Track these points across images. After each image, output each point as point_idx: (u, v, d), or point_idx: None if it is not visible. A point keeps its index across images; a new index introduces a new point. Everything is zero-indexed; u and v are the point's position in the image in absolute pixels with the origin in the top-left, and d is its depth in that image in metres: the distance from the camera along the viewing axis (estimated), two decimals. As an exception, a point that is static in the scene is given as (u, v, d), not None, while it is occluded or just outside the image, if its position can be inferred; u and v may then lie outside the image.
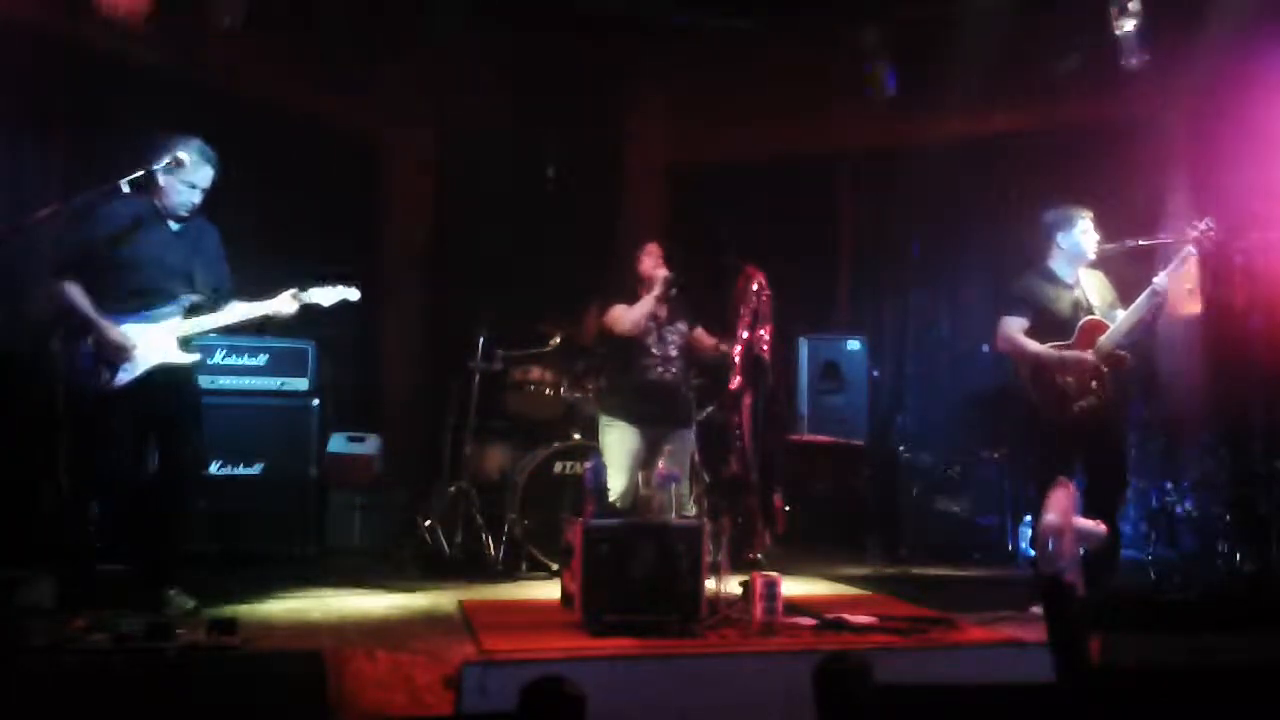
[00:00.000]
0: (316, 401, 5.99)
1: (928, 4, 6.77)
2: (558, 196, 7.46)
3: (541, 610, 4.60)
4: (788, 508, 6.17)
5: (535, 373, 6.22)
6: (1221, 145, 6.21)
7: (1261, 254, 5.03)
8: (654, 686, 3.53)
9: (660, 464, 4.46)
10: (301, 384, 5.97)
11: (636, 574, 4.03)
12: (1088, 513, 4.40)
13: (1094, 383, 4.79)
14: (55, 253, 4.57)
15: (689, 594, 4.05)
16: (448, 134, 7.33)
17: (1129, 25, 6.22)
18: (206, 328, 4.48)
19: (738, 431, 5.71)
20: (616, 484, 5.00)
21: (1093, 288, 4.96)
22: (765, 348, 5.65)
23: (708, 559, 4.15)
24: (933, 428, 7.17)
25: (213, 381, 5.63)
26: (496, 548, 5.74)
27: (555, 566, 5.36)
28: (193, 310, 4.45)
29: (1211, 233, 4.73)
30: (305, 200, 6.57)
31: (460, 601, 4.72)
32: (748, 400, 5.70)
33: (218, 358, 5.76)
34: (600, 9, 6.87)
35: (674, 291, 5.16)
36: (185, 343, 4.43)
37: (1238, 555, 5.61)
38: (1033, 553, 4.84)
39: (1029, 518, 5.90)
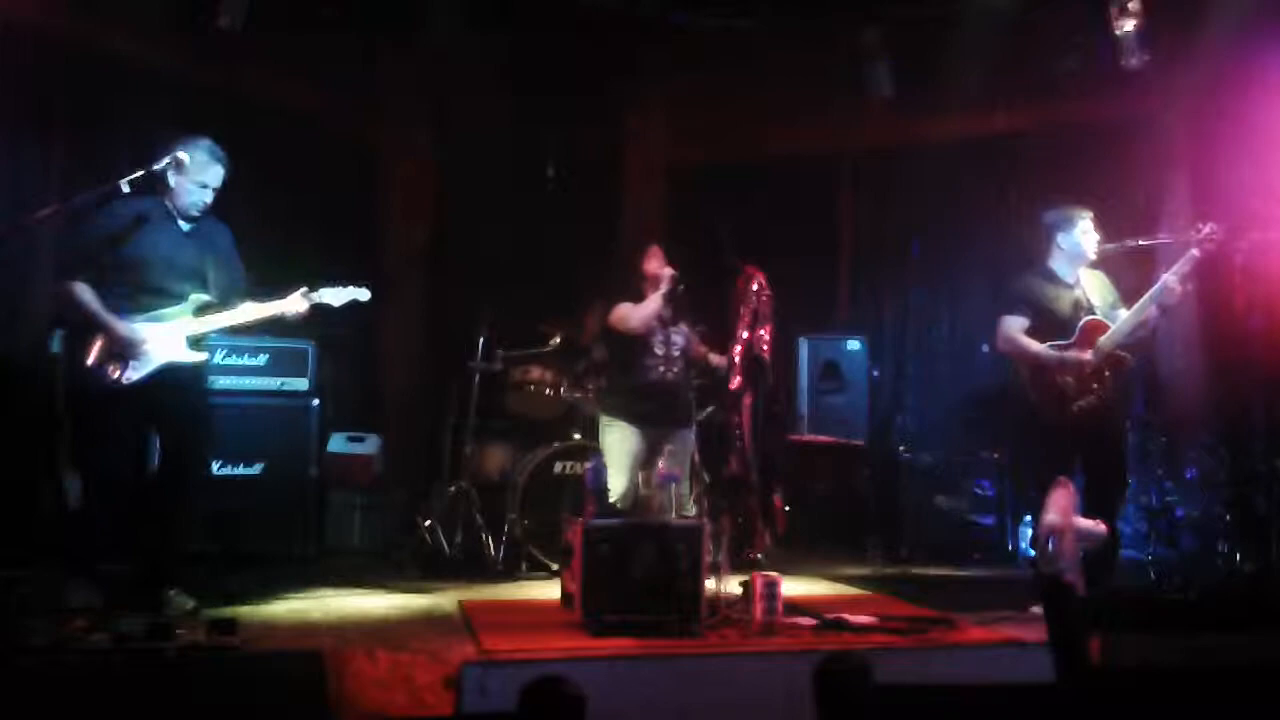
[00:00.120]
0: (316, 401, 5.98)
1: (928, 4, 6.77)
2: (558, 196, 7.46)
3: (541, 610, 4.60)
4: (788, 508, 6.18)
5: (535, 373, 6.22)
6: (1221, 145, 6.21)
7: (1261, 254, 5.02)
8: (654, 686, 3.53)
9: (660, 464, 4.46)
10: (301, 384, 5.97)
11: (636, 574, 4.02)
12: (1088, 513, 4.40)
13: (1094, 383, 4.79)
14: (61, 254, 4.57)
15: (689, 594, 4.04)
16: (448, 134, 7.32)
17: (1129, 25, 6.22)
18: (217, 327, 4.49)
19: (738, 431, 5.72)
20: (617, 484, 4.99)
21: (1094, 288, 4.96)
22: (765, 348, 5.66)
23: (708, 559, 4.15)
24: (933, 428, 7.16)
25: (213, 381, 5.62)
26: (496, 548, 5.74)
27: (555, 566, 5.35)
28: (203, 310, 4.45)
29: (1215, 237, 4.73)
30: (305, 200, 6.56)
31: (460, 601, 4.72)
32: (748, 400, 5.71)
33: (218, 358, 5.74)
34: (600, 8, 6.87)
35: (681, 287, 5.16)
36: (195, 342, 4.44)
37: (1238, 555, 5.61)
38: (1033, 553, 4.84)
39: (1029, 518, 5.90)
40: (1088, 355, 4.78)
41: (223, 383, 5.76)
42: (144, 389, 4.31)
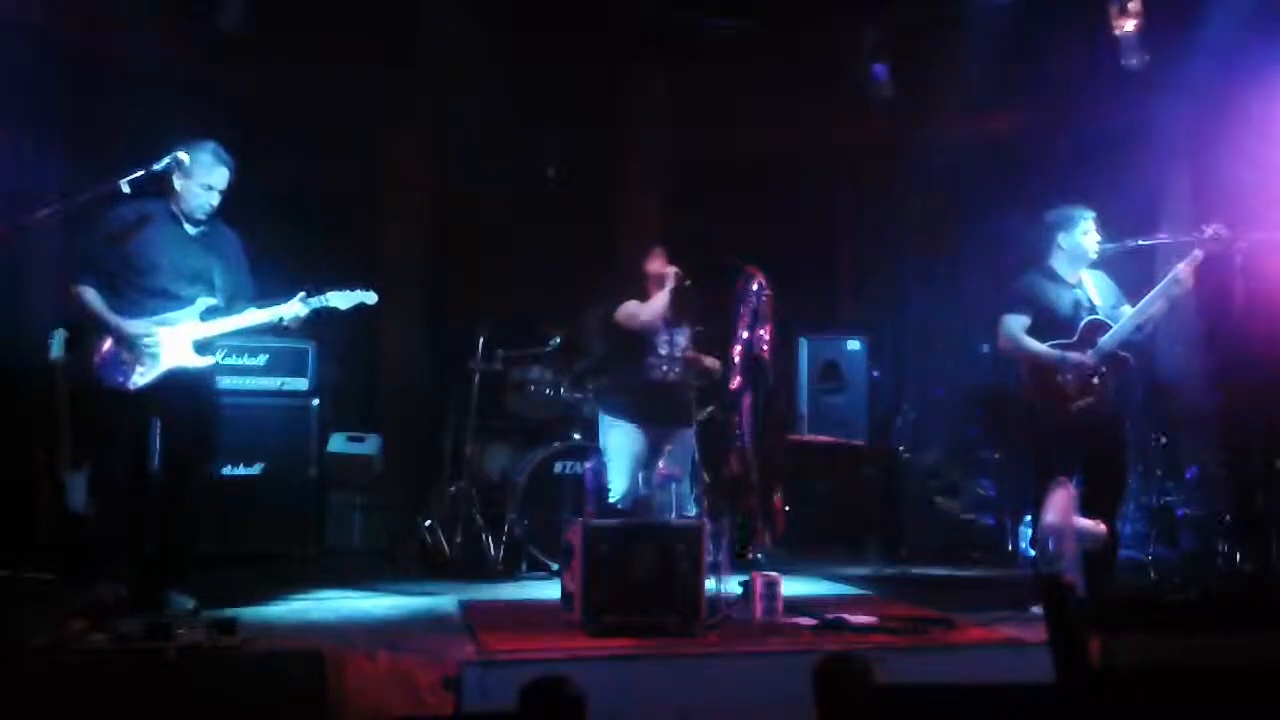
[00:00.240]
0: (316, 401, 5.98)
1: (928, 4, 6.77)
2: (558, 196, 7.45)
3: (541, 610, 4.59)
4: (788, 508, 6.18)
5: (535, 373, 6.22)
6: (1221, 145, 6.21)
7: (1261, 254, 5.02)
8: (654, 686, 3.53)
9: (661, 464, 4.47)
10: (301, 384, 5.97)
11: (636, 574, 4.03)
12: (1088, 513, 4.40)
13: (1094, 383, 4.79)
14: (69, 259, 4.57)
15: (689, 594, 4.04)
16: (448, 134, 7.32)
17: (1129, 25, 6.22)
18: (223, 331, 4.49)
19: (738, 431, 5.72)
20: (617, 484, 5.00)
21: (1095, 288, 4.96)
22: (765, 348, 5.66)
23: (708, 559, 4.15)
24: (933, 428, 7.16)
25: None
26: (496, 548, 5.74)
27: (555, 566, 5.35)
28: (209, 314, 4.45)
29: (1221, 236, 4.73)
30: (305, 200, 6.56)
31: (460, 601, 4.72)
32: (748, 400, 5.71)
33: (218, 358, 5.74)
34: (600, 8, 6.87)
35: (687, 282, 5.16)
36: (202, 346, 4.44)
37: (1238, 555, 5.61)
38: (1033, 553, 4.84)
39: (1029, 518, 5.90)
40: (1088, 355, 4.78)
41: (223, 383, 5.75)
42: (152, 393, 4.31)
